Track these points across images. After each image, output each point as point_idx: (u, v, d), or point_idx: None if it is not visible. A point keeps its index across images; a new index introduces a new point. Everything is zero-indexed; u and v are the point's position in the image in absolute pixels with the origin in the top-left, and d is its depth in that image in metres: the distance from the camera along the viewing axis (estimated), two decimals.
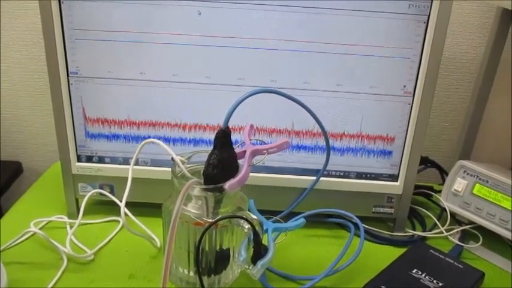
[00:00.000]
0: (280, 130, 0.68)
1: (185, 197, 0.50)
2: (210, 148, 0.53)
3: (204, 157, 0.54)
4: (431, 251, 0.64)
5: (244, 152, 0.55)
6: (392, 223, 0.74)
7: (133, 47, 0.63)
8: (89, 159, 0.70)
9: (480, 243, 0.70)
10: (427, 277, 0.58)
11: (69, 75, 0.65)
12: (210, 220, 0.53)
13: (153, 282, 0.60)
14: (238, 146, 0.56)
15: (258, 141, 0.58)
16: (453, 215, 0.75)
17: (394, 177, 0.70)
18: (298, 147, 0.69)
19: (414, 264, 0.60)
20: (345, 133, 0.68)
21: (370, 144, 0.69)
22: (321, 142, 0.68)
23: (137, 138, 0.68)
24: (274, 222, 0.58)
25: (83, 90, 0.66)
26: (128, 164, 0.69)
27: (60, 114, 0.66)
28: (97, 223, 0.71)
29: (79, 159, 0.69)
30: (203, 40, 0.63)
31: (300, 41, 0.63)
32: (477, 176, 0.71)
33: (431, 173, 0.87)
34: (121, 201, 0.60)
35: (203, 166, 0.53)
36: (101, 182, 0.70)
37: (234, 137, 0.55)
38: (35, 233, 0.65)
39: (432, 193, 0.81)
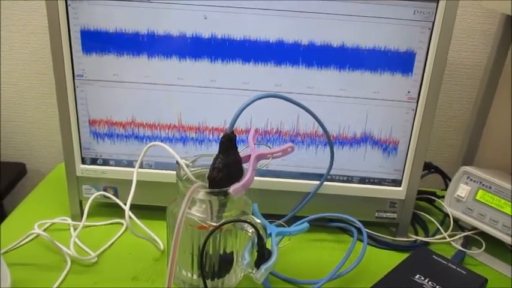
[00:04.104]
0: (284, 134, 0.68)
1: (190, 201, 0.50)
2: (215, 152, 0.54)
3: (209, 161, 0.54)
4: (434, 256, 0.64)
5: (249, 156, 0.55)
6: (395, 228, 0.74)
7: (138, 50, 0.64)
8: (94, 161, 0.70)
9: (483, 249, 0.70)
10: (429, 283, 0.58)
11: (75, 78, 0.65)
12: (214, 224, 0.53)
13: (156, 285, 0.60)
14: (244, 149, 0.56)
15: (263, 145, 0.58)
16: (456, 220, 0.75)
17: (397, 183, 0.71)
18: (302, 152, 0.69)
19: (417, 269, 0.60)
20: (349, 138, 0.68)
21: (373, 149, 0.69)
22: (325, 146, 0.68)
23: (142, 141, 0.68)
24: (277, 226, 0.58)
25: (88, 93, 0.66)
26: (132, 166, 0.69)
27: (65, 117, 0.66)
28: (101, 225, 0.71)
29: (83, 162, 0.70)
30: (208, 44, 0.63)
31: (304, 45, 0.63)
32: (480, 182, 0.71)
33: (435, 179, 0.87)
34: (125, 204, 0.60)
35: (208, 170, 0.54)
36: (105, 185, 0.71)
37: (237, 139, 0.55)
38: (38, 235, 0.65)
39: (435, 198, 0.81)
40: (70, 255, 0.63)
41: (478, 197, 0.70)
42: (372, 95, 0.66)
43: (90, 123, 0.68)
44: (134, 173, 0.60)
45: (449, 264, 0.62)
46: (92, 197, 0.68)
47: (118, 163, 0.70)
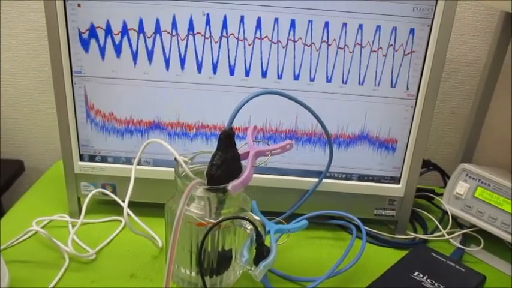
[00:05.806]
0: (283, 131, 0.68)
1: (188, 198, 0.50)
2: (213, 148, 0.54)
3: (207, 158, 0.54)
4: (432, 253, 0.64)
5: (248, 153, 0.55)
6: (394, 226, 0.74)
7: (137, 47, 0.63)
8: (92, 158, 0.70)
9: (481, 246, 0.70)
10: (428, 280, 0.58)
11: (73, 74, 0.65)
12: (213, 221, 0.52)
13: (155, 282, 0.60)
14: (242, 146, 0.56)
15: (262, 142, 0.58)
16: (455, 218, 0.75)
17: (396, 180, 0.70)
18: (301, 149, 0.69)
19: (415, 267, 0.60)
20: (348, 135, 0.68)
21: (372, 147, 0.69)
22: (324, 144, 0.68)
23: (140, 138, 0.68)
24: (276, 223, 0.58)
25: (87, 90, 0.66)
26: (131, 163, 0.69)
27: (64, 114, 0.66)
28: (99, 222, 0.71)
29: (81, 159, 0.69)
30: (207, 40, 0.63)
31: (303, 42, 0.63)
32: (479, 180, 0.71)
33: (433, 176, 0.87)
34: (123, 201, 0.60)
35: (206, 167, 0.54)
36: (103, 182, 0.70)
37: (236, 136, 0.54)
38: (37, 232, 0.64)
39: (434, 196, 0.81)
40: (68, 252, 0.63)
41: (476, 195, 0.70)
42: (371, 92, 0.66)
43: (89, 120, 0.67)
44: (132, 170, 0.60)
45: (448, 262, 0.62)
46: (90, 194, 0.68)
47: (116, 160, 0.70)
